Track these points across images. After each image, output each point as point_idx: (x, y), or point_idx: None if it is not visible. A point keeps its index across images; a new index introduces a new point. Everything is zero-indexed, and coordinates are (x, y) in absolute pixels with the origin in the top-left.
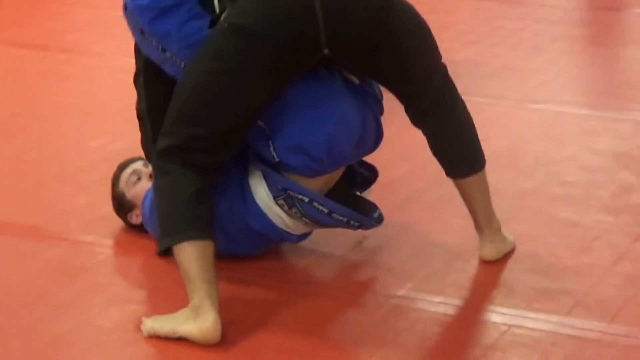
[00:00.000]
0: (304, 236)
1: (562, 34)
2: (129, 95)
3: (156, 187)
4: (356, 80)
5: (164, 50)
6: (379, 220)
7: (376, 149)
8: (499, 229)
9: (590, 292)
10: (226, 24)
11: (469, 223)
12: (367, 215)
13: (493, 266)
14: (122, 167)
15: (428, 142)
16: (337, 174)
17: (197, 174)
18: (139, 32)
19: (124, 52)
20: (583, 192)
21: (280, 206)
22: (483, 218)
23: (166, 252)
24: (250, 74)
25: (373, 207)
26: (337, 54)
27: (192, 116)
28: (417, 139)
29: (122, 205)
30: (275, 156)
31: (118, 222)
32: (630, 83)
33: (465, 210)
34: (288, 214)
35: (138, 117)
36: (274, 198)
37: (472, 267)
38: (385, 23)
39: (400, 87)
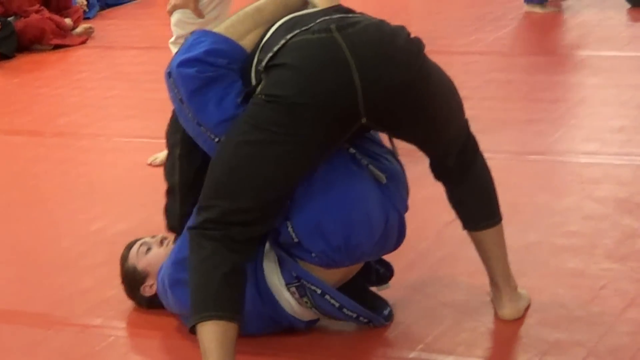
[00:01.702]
0: (312, 322)
1: (554, 83)
2: (125, 176)
3: (191, 263)
4: (384, 179)
5: (199, 124)
6: (389, 317)
7: (397, 248)
8: (516, 287)
9: (601, 341)
10: (263, 96)
11: (475, 281)
12: (377, 312)
13: (503, 322)
14: (129, 246)
15: (447, 193)
16: (355, 269)
17: (232, 251)
18: (178, 101)
19: (117, 132)
20: (587, 241)
21: (292, 293)
22: (501, 276)
23: (194, 330)
24: (288, 145)
25: (384, 304)
26: (375, 121)
27: (230, 189)
28: (417, 199)
29: (134, 279)
30: (294, 236)
31: (125, 304)
32: (626, 128)
33: (470, 269)
34: (298, 302)
35: (168, 187)
36: (287, 284)
37: (481, 324)
38: (420, 90)
39: (432, 147)
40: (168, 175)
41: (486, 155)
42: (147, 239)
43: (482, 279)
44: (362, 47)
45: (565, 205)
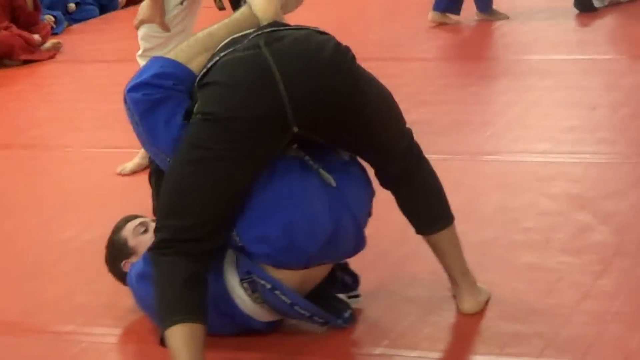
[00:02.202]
0: (273, 325)
1: (507, 86)
2: (95, 185)
3: (153, 279)
4: (333, 183)
5: (153, 143)
6: (348, 320)
7: (355, 254)
8: (475, 282)
9: (559, 332)
10: (199, 115)
11: (437, 277)
12: (336, 314)
13: (464, 317)
14: (128, 219)
15: (397, 201)
16: (316, 274)
17: (189, 262)
18: (135, 124)
19: (86, 143)
20: (543, 236)
21: (245, 289)
22: (459, 273)
23: (163, 343)
24: (227, 159)
25: (345, 307)
26: (307, 131)
27: (178, 209)
28: (378, 199)
29: (121, 252)
30: (238, 240)
31: (96, 310)
32: (576, 128)
33: (431, 266)
34: (251, 298)
35: (154, 212)
36: (240, 280)
37: (444, 319)
38: (350, 99)
39: (369, 154)
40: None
41: (444, 157)
42: (148, 220)
43: (444, 275)
44: (288, 59)
45: (520, 203)
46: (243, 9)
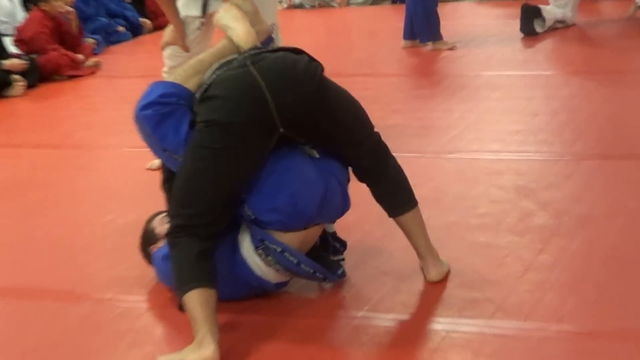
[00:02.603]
0: (281, 285)
1: (466, 97)
2: (129, 178)
3: (170, 258)
4: (316, 155)
5: (164, 150)
6: (342, 275)
7: (344, 214)
8: (438, 256)
9: (507, 298)
10: (202, 123)
11: (408, 254)
12: (332, 271)
13: (430, 285)
14: (156, 214)
15: (371, 191)
16: (312, 234)
17: (199, 241)
18: (147, 135)
19: (121, 144)
20: (494, 220)
21: (259, 255)
22: (424, 248)
23: (182, 308)
24: (226, 157)
25: (338, 266)
26: (291, 131)
27: (188, 199)
28: (361, 190)
29: (150, 238)
30: (251, 214)
31: (130, 282)
32: (521, 131)
33: (403, 245)
34: (265, 262)
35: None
36: (255, 248)
37: (414, 288)
38: (321, 103)
39: (343, 150)
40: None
41: (414, 155)
42: None
43: (413, 252)
44: (271, 73)
45: (476, 193)
46: (224, 41)
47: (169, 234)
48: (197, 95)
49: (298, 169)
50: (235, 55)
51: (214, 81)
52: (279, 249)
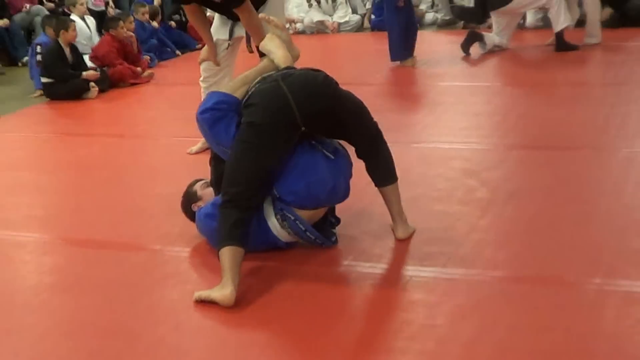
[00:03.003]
0: (290, 245)
1: (427, 101)
2: (175, 159)
3: (217, 221)
4: (331, 157)
5: (218, 144)
6: (335, 242)
7: (344, 200)
8: (406, 220)
9: (456, 252)
10: (244, 124)
11: (383, 218)
12: (328, 238)
13: (399, 242)
14: (197, 180)
15: (366, 166)
16: (319, 213)
17: (239, 212)
18: (205, 132)
19: (170, 134)
20: (447, 194)
21: (277, 220)
22: (397, 213)
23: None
24: (262, 148)
25: (333, 234)
26: (311, 128)
27: (233, 180)
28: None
29: (192, 197)
30: (276, 194)
31: (174, 236)
32: (467, 127)
33: (381, 210)
34: (281, 226)
35: (210, 184)
36: (275, 215)
37: (387, 244)
38: (335, 107)
39: (351, 138)
40: (212, 169)
41: (391, 143)
42: (209, 181)
43: (387, 217)
44: (295, 86)
45: (434, 173)
46: (265, 61)
47: (220, 206)
48: (243, 102)
49: (316, 166)
50: (271, 72)
51: (253, 92)
52: (292, 218)
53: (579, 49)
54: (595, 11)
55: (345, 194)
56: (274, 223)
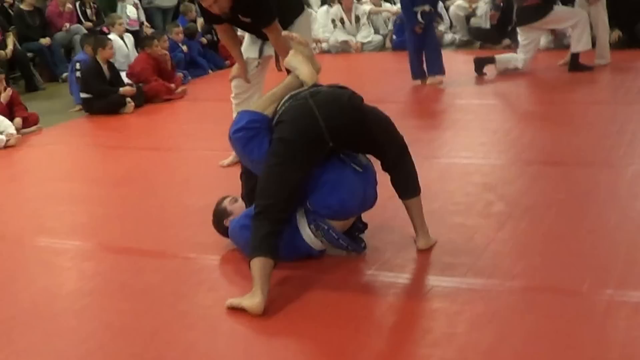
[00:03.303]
0: (322, 252)
1: (447, 118)
2: (207, 171)
3: (250, 232)
4: (360, 169)
5: (251, 161)
6: (364, 248)
7: (370, 209)
8: (428, 231)
9: (475, 262)
10: (276, 139)
11: (406, 229)
12: (357, 244)
13: (421, 252)
14: (224, 197)
15: (391, 179)
16: (350, 221)
17: (270, 224)
18: (238, 151)
19: (203, 147)
20: (466, 207)
21: (311, 230)
22: (419, 224)
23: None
24: (292, 162)
25: (362, 241)
26: (339, 144)
27: (266, 193)
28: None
29: (222, 214)
30: (310, 207)
31: (208, 245)
32: (485, 143)
33: (403, 223)
34: (315, 235)
35: (241, 197)
36: (308, 225)
37: (409, 254)
38: (361, 124)
39: (379, 152)
40: (243, 183)
41: (415, 158)
42: (237, 196)
43: (409, 229)
44: (323, 103)
45: (454, 187)
46: (290, 77)
47: (253, 217)
48: (274, 119)
49: (347, 180)
50: (300, 90)
51: (283, 110)
52: (326, 227)
53: (592, 70)
54: (605, 34)
55: (374, 201)
56: (307, 233)
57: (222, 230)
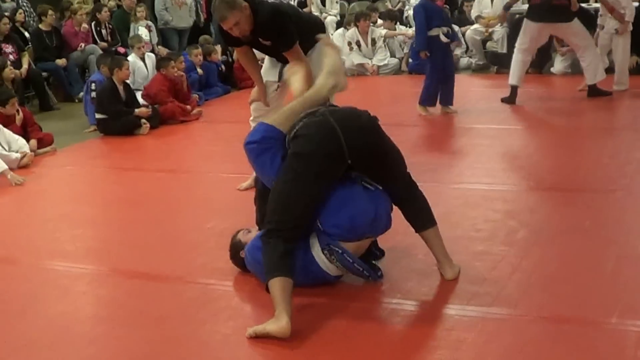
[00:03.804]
0: (338, 277)
1: (463, 143)
2: (225, 195)
3: (262, 252)
4: (372, 188)
5: (263, 173)
6: (381, 276)
7: (386, 231)
8: (452, 261)
9: (501, 292)
10: (292, 154)
11: (429, 258)
12: (374, 271)
13: (445, 282)
14: (238, 231)
15: (403, 213)
16: (364, 245)
17: (284, 242)
18: (251, 160)
19: (220, 170)
20: (489, 235)
21: (325, 254)
22: (441, 255)
23: (268, 290)
24: (308, 178)
25: (379, 269)
26: (355, 162)
27: (278, 209)
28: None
29: (238, 247)
30: (320, 227)
31: (227, 271)
32: (506, 169)
33: (426, 251)
34: (329, 260)
35: (256, 222)
36: (322, 249)
37: (433, 283)
38: (378, 146)
39: (390, 182)
40: (257, 207)
41: (429, 184)
42: (249, 228)
43: (431, 256)
44: (343, 121)
45: (475, 214)
46: (311, 92)
47: (263, 235)
48: (290, 134)
49: (357, 197)
50: (317, 108)
51: (301, 125)
52: (340, 251)
53: (611, 95)
54: (624, 60)
55: (387, 224)
56: (321, 258)
57: (240, 263)
